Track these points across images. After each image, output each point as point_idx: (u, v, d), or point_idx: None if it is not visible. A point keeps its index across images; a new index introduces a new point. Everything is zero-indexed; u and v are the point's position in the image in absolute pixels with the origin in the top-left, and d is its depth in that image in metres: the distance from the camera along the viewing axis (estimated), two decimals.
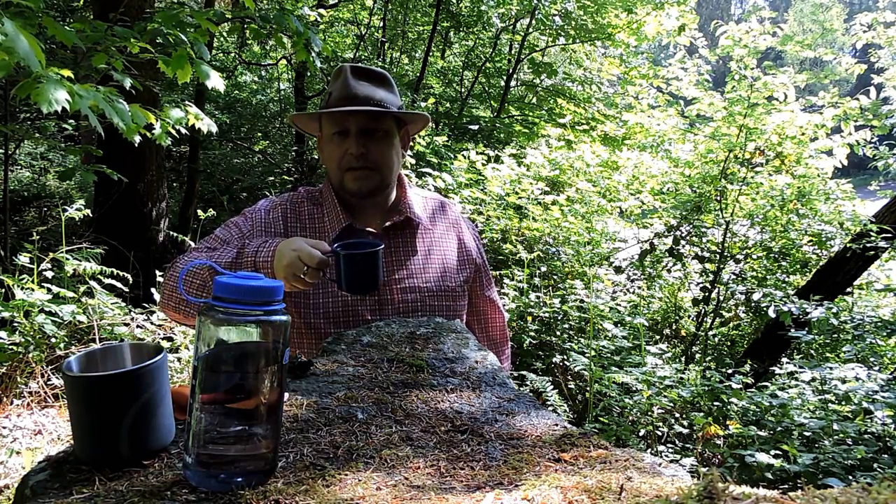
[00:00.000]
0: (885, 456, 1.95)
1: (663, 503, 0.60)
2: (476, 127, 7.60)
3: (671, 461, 1.44)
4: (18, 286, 2.83)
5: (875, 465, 1.89)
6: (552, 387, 2.59)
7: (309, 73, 8.44)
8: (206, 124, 2.85)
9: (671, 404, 2.37)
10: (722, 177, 4.22)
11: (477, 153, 4.83)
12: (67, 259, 3.12)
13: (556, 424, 0.93)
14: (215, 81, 2.52)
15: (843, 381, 2.36)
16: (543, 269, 3.96)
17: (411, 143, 1.87)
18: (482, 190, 4.46)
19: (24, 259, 3.00)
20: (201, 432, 0.73)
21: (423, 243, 1.61)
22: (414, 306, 1.52)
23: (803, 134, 4.39)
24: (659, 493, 0.65)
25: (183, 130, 2.82)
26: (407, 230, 1.60)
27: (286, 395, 0.97)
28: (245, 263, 1.37)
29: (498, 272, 3.75)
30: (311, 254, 1.29)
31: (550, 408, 2.43)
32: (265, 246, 1.37)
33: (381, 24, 8.91)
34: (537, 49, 9.03)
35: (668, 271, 4.55)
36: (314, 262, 1.28)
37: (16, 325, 2.77)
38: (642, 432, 2.47)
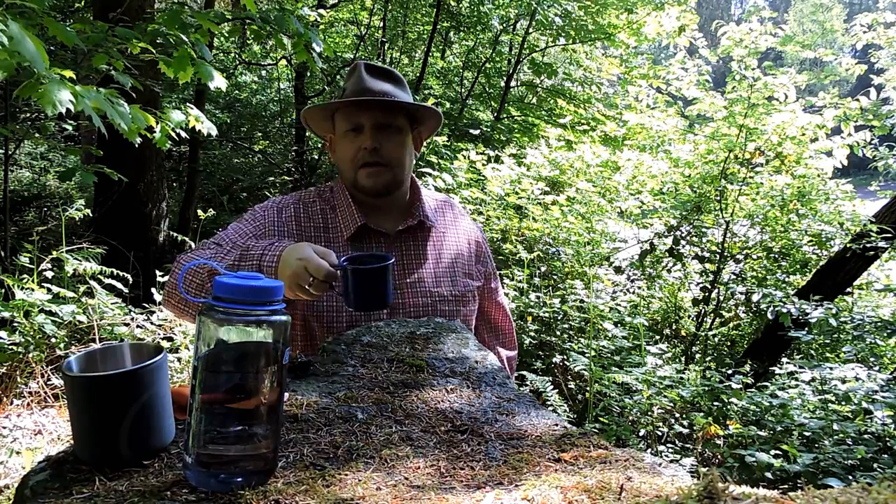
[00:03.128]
0: (885, 456, 1.94)
1: (663, 503, 0.60)
2: (477, 132, 7.60)
3: (671, 461, 1.44)
4: (18, 286, 2.83)
5: (875, 465, 1.89)
6: (552, 387, 2.59)
7: (309, 74, 8.44)
8: (207, 127, 2.85)
9: (671, 404, 2.37)
10: (722, 177, 4.22)
11: (477, 153, 4.83)
12: (67, 259, 3.12)
13: (556, 424, 0.93)
14: (218, 81, 2.52)
15: (843, 381, 2.36)
16: (543, 269, 3.96)
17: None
18: (482, 190, 4.46)
19: (24, 259, 3.00)
20: (201, 432, 0.73)
21: (435, 247, 1.59)
22: (425, 311, 1.50)
23: (803, 134, 4.39)
24: (659, 493, 0.65)
25: (183, 134, 2.82)
26: (419, 233, 1.58)
27: (286, 395, 0.97)
28: (247, 267, 1.32)
29: (498, 272, 3.75)
30: (319, 265, 1.20)
31: (550, 408, 2.43)
32: (271, 249, 1.31)
33: (381, 24, 8.91)
34: (537, 49, 9.03)
35: (668, 271, 4.55)
36: (321, 275, 1.20)
37: (16, 325, 2.77)
38: (642, 432, 2.47)
